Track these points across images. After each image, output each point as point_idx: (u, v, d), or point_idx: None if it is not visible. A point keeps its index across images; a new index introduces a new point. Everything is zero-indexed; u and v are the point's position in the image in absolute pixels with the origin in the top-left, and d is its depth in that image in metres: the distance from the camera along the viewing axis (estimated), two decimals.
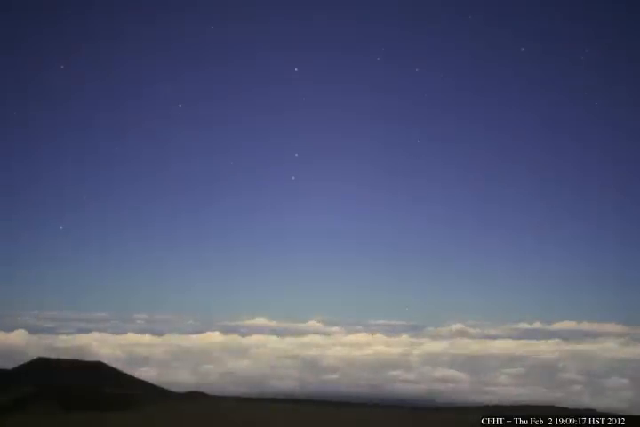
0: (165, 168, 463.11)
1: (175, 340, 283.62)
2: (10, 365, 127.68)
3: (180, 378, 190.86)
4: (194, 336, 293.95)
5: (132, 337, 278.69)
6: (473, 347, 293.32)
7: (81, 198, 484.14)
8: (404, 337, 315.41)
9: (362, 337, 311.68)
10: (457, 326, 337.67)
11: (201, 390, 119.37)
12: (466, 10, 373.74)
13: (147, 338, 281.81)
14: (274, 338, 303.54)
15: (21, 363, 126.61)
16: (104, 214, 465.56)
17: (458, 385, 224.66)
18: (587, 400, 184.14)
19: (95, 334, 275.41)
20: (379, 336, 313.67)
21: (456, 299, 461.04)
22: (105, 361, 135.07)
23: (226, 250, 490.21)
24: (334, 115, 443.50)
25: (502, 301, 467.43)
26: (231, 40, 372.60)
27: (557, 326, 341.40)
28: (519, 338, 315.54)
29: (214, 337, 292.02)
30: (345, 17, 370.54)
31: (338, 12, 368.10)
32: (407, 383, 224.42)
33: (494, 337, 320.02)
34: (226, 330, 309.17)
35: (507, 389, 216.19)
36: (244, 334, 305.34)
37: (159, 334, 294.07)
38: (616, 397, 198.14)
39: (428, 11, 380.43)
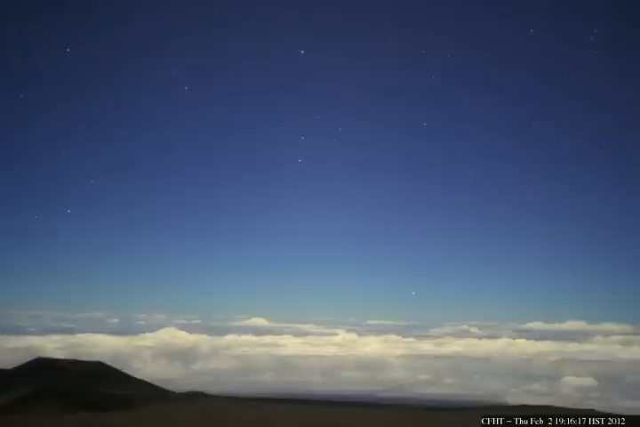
0: (165, 160, 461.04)
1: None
2: (10, 365, 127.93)
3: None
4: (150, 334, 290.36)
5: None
6: (477, 347, 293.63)
7: (88, 182, 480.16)
8: (407, 338, 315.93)
9: (359, 338, 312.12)
10: (457, 327, 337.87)
11: (200, 389, 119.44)
12: None
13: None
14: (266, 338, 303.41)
15: (21, 363, 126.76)
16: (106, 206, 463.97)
17: (455, 385, 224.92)
18: (586, 402, 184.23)
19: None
20: (378, 336, 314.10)
21: (455, 299, 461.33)
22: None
23: (220, 248, 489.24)
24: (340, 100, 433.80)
25: (502, 301, 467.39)
26: (235, 21, 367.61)
27: (558, 326, 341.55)
28: (518, 338, 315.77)
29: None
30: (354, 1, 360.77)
31: None
32: (407, 383, 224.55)
33: (494, 337, 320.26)
34: (205, 330, 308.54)
35: (504, 390, 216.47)
36: (221, 334, 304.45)
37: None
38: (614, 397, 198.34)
39: None
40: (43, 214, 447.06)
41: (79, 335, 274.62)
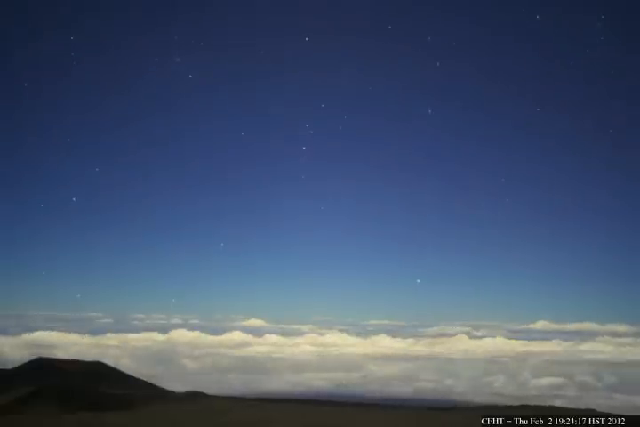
0: (164, 156, 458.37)
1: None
2: (10, 365, 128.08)
3: None
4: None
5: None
6: (475, 348, 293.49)
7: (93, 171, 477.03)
8: (408, 339, 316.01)
9: (357, 338, 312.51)
10: (456, 328, 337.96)
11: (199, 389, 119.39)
12: None
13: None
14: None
15: (21, 363, 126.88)
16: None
17: (455, 386, 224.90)
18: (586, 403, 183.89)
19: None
20: (375, 337, 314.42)
21: (456, 300, 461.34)
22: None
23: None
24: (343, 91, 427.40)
25: (502, 302, 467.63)
26: (238, 8, 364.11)
27: (559, 326, 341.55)
28: (517, 339, 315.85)
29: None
30: None
31: None
32: (407, 384, 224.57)
33: (492, 337, 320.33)
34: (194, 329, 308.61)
35: (503, 391, 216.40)
36: (218, 334, 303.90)
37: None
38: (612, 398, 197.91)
39: None
40: (48, 203, 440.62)
41: (69, 335, 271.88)
